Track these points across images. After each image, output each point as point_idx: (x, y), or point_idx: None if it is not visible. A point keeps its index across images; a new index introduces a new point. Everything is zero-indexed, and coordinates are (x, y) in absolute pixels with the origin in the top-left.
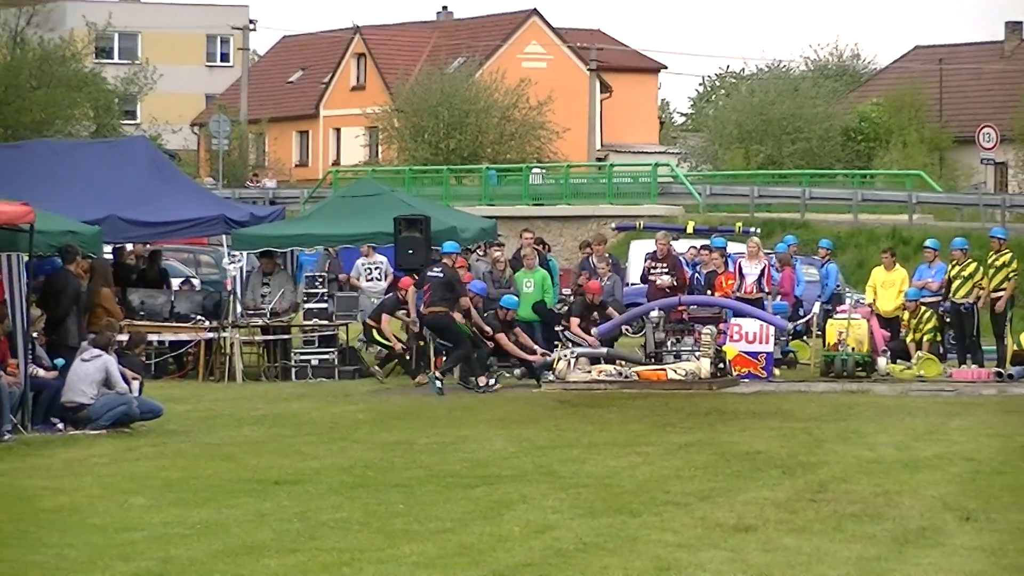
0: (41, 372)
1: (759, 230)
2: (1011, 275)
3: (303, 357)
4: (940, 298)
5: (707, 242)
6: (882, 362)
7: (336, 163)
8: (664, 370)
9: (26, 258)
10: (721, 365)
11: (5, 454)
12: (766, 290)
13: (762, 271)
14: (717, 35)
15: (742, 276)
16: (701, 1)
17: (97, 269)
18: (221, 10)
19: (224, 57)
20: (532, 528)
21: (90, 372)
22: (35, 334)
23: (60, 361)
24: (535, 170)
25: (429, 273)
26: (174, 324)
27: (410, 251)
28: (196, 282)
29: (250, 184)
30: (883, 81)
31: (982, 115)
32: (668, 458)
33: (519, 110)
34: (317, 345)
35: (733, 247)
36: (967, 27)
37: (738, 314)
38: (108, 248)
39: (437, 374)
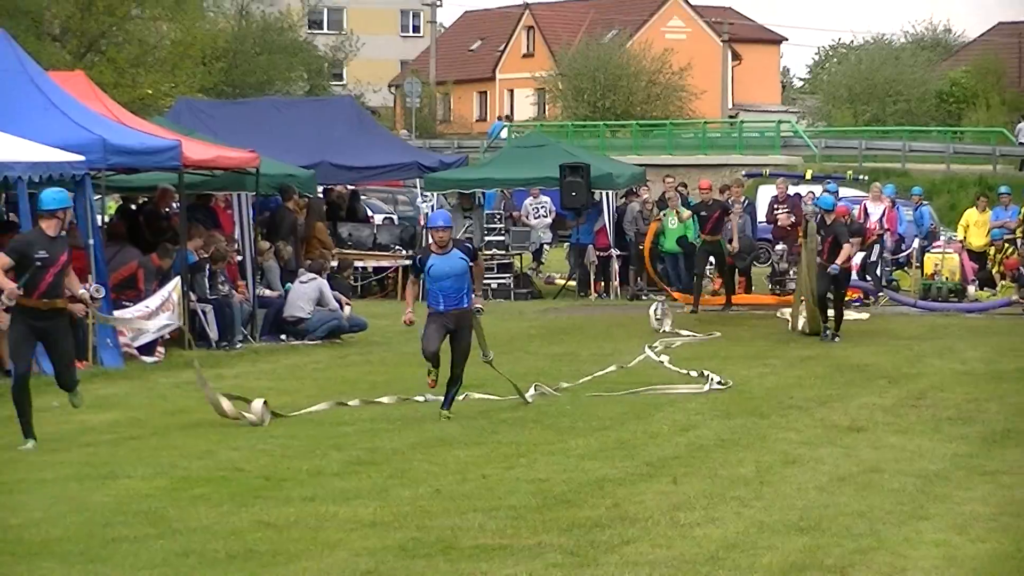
0: (267, 292)
1: (867, 177)
2: None
3: (484, 281)
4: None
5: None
6: (971, 289)
7: (509, 119)
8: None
9: (252, 196)
10: None
11: (238, 360)
12: (886, 227)
13: (883, 211)
14: (830, 12)
15: (867, 215)
16: None
17: (313, 206)
18: None
19: (416, 28)
20: (678, 427)
21: (307, 292)
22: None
23: (289, 285)
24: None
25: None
26: (377, 252)
27: (573, 193)
28: (395, 218)
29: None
30: (970, 52)
31: None
32: (791, 369)
33: (663, 75)
34: (496, 271)
35: (844, 191)
36: None
37: None
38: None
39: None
